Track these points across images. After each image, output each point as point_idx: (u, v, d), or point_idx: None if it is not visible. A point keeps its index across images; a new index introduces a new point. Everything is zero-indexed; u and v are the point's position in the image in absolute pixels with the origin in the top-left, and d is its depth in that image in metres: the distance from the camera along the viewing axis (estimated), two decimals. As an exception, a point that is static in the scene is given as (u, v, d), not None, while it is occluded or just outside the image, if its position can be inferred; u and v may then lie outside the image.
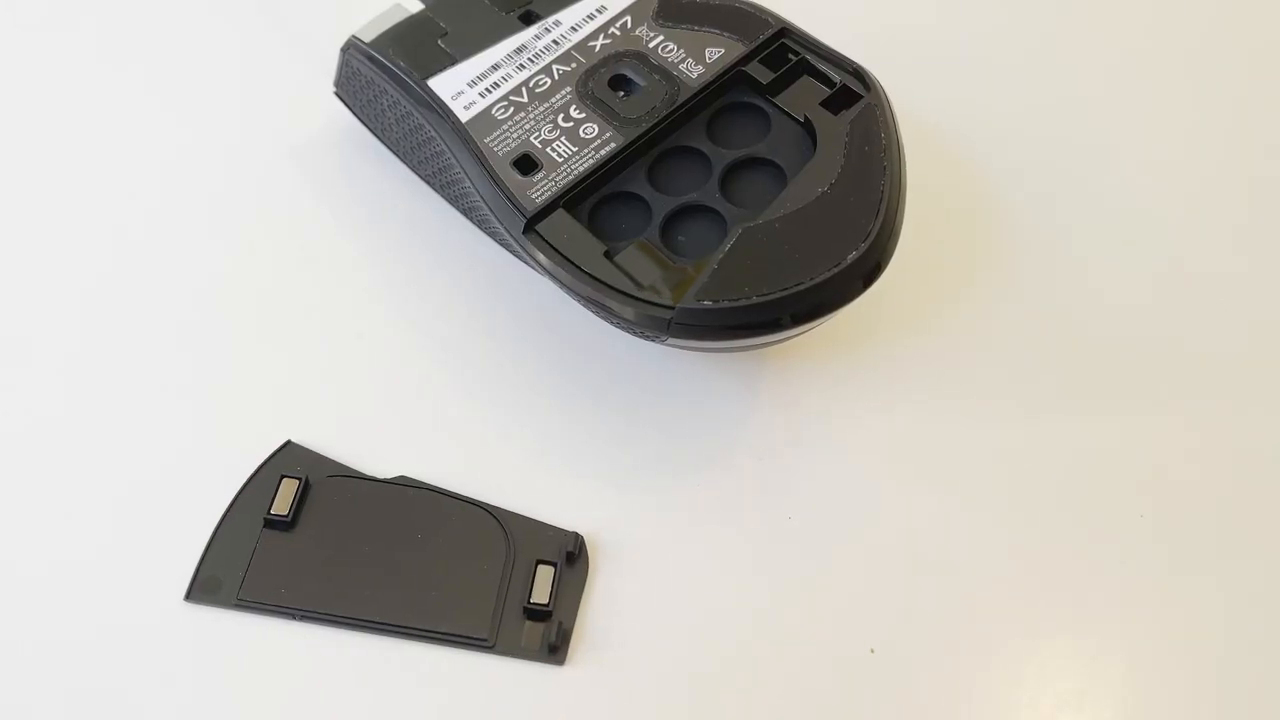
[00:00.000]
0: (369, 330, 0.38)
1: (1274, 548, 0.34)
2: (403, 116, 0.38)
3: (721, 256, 0.32)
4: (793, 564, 0.34)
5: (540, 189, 0.34)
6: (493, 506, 0.34)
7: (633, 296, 0.32)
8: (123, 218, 0.40)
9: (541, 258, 0.33)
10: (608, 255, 0.33)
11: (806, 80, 0.35)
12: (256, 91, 0.43)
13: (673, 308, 0.31)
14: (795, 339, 0.36)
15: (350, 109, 0.41)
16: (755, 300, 0.31)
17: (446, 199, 0.39)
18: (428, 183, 0.40)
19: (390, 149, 0.40)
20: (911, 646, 0.32)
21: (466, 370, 0.37)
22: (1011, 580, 0.33)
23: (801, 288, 0.31)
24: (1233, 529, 0.34)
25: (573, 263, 0.33)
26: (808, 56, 0.35)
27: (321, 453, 0.35)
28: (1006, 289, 0.39)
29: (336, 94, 0.41)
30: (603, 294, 0.32)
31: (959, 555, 0.34)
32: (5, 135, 0.42)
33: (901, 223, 0.33)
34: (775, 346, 0.37)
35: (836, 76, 0.35)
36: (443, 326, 0.38)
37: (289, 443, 0.35)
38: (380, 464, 0.35)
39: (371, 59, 0.38)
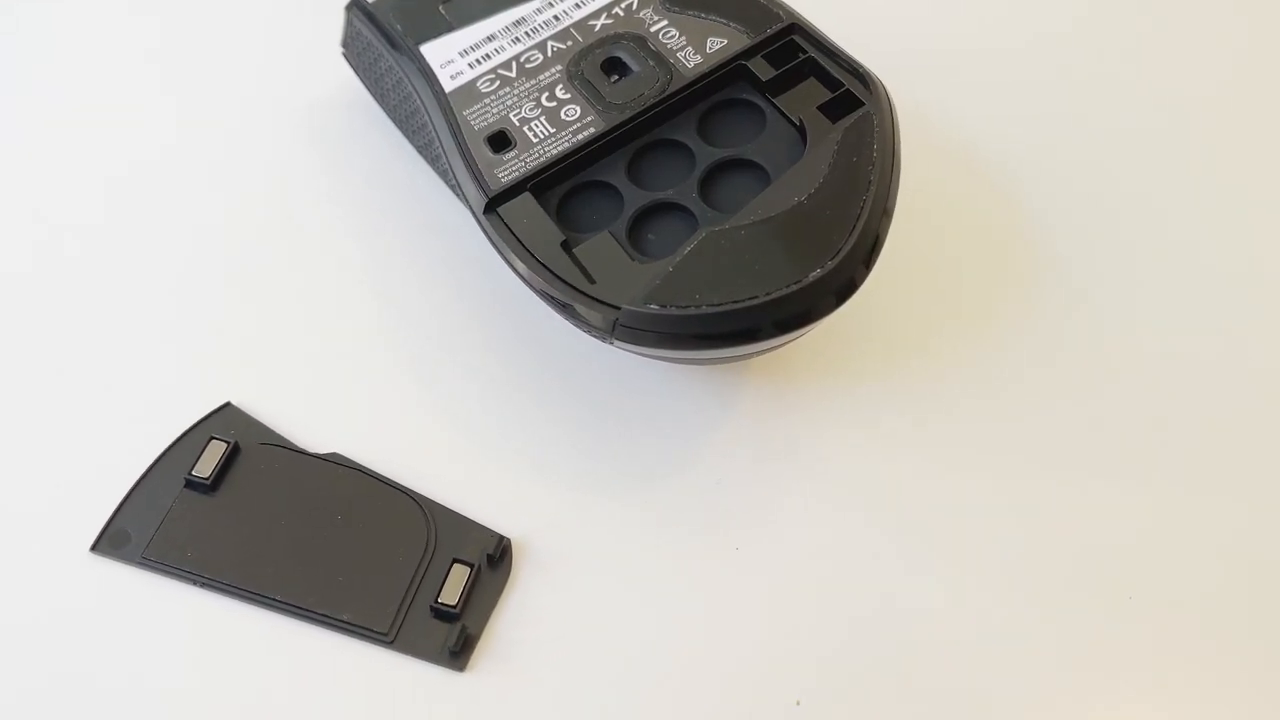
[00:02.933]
0: (337, 302, 0.36)
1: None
2: (397, 82, 0.37)
3: (679, 260, 0.30)
4: (731, 598, 0.31)
5: (509, 169, 0.32)
6: (422, 496, 0.32)
7: (580, 292, 0.30)
8: (116, 167, 0.40)
9: (498, 240, 0.31)
10: (565, 246, 0.31)
11: (811, 82, 0.33)
12: (275, 46, 0.43)
13: (619, 309, 0.29)
14: (779, 352, 0.34)
15: (355, 71, 0.39)
16: (704, 310, 0.29)
17: (436, 172, 0.38)
18: (420, 154, 0.38)
19: (388, 115, 0.39)
20: (843, 705, 0.30)
21: (426, 353, 0.35)
22: (967, 646, 0.30)
23: (755, 302, 0.28)
24: (1231, 637, 0.30)
25: (527, 249, 0.31)
26: (815, 56, 0.33)
27: (261, 419, 0.34)
28: (1021, 326, 0.35)
29: (344, 55, 0.39)
30: (551, 285, 0.30)
31: (911, 611, 0.31)
32: (18, 79, 0.42)
33: (883, 241, 0.30)
34: (760, 359, 0.34)
35: (842, 80, 0.32)
36: (411, 305, 0.36)
37: (228, 404, 0.34)
38: (318, 438, 0.33)
39: (371, 20, 0.37)
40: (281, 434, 0.33)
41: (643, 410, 0.34)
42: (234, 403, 0.34)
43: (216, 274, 0.37)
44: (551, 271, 0.30)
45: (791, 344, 0.33)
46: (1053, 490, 0.32)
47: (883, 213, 0.30)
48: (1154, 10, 0.43)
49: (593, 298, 0.30)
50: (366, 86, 0.39)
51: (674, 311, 0.29)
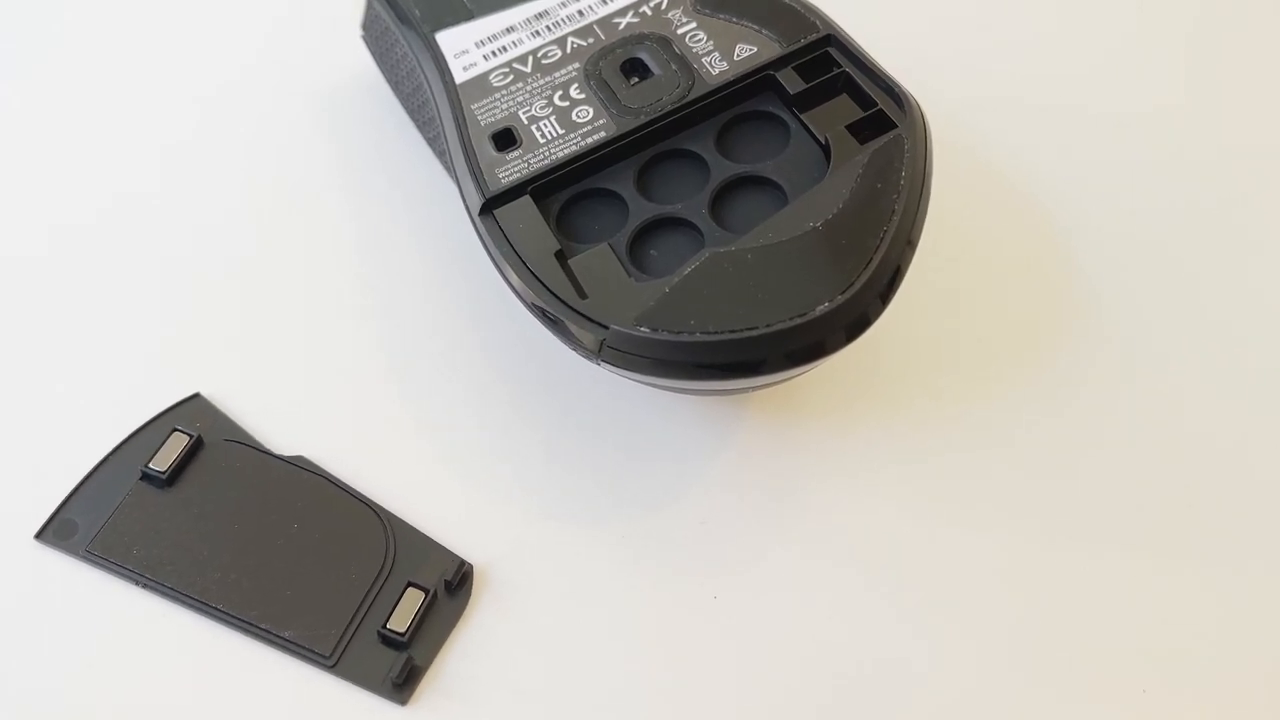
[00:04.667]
0: (327, 298, 0.34)
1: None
2: (410, 71, 0.35)
3: (677, 280, 0.27)
4: (702, 650, 0.28)
5: (511, 169, 0.30)
6: (386, 511, 0.30)
7: (569, 307, 0.28)
8: (125, 145, 0.38)
9: (490, 244, 0.29)
10: (560, 256, 0.28)
11: (843, 98, 0.30)
12: (296, 26, 0.41)
13: (608, 329, 0.27)
14: (783, 385, 0.31)
15: (373, 56, 0.38)
16: (698, 338, 0.26)
17: (444, 167, 0.36)
18: (430, 146, 0.36)
19: (402, 104, 0.37)
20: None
21: (412, 358, 0.33)
22: (959, 730, 0.27)
23: (753, 334, 0.26)
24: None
25: (519, 256, 0.29)
26: (850, 71, 0.30)
27: (230, 413, 0.32)
28: (1047, 377, 0.32)
29: (363, 38, 0.38)
30: (540, 297, 0.28)
31: (898, 682, 0.28)
32: (38, 60, 0.41)
33: (904, 274, 0.27)
34: (762, 391, 0.32)
35: (875, 98, 0.29)
36: (403, 308, 0.34)
37: (197, 395, 0.32)
38: (287, 438, 0.31)
39: (390, 2, 0.35)
40: (249, 431, 0.31)
41: (632, 437, 0.32)
42: (204, 394, 0.32)
43: (207, 259, 0.35)
44: (541, 282, 0.28)
45: (798, 378, 0.30)
46: (1067, 560, 0.29)
47: (906, 243, 0.27)
48: (1222, 59, 0.39)
49: (582, 314, 0.27)
50: (383, 73, 0.37)
51: (665, 337, 0.26)
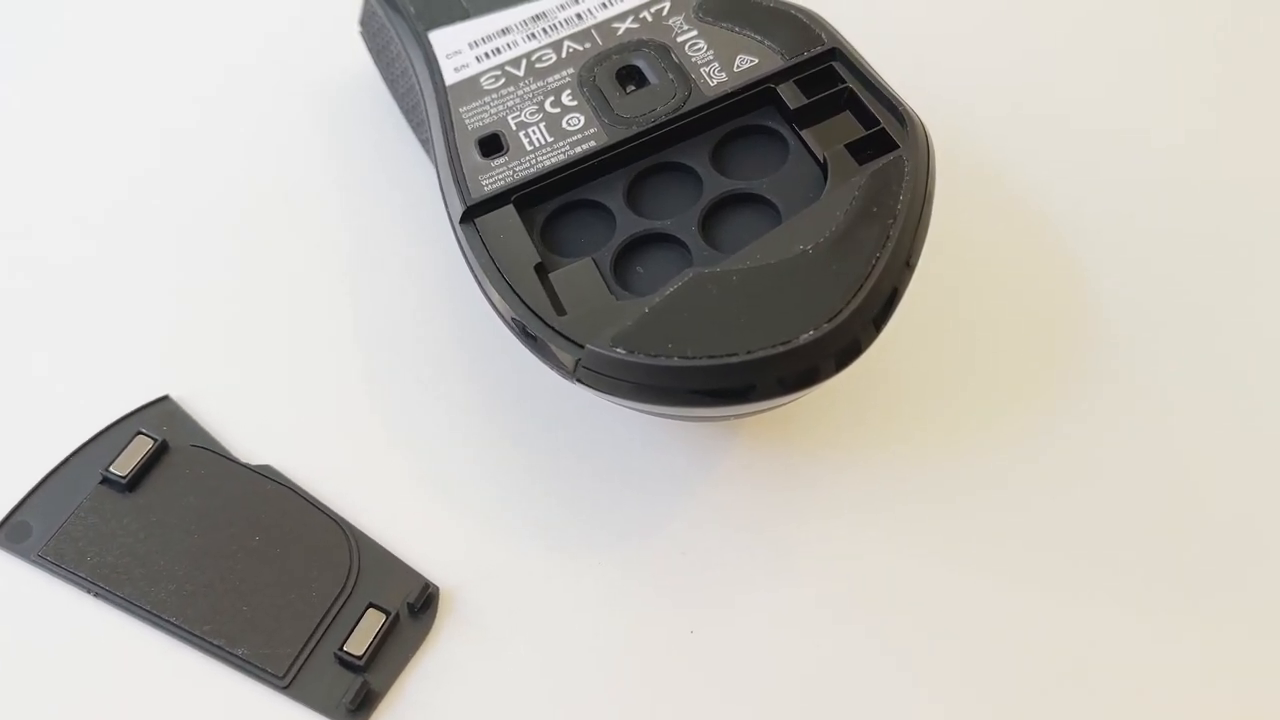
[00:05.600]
0: (309, 303, 0.33)
1: None
2: (403, 70, 0.34)
3: (658, 301, 0.26)
4: (675, 688, 0.27)
5: (495, 176, 0.29)
6: (352, 527, 0.29)
7: (545, 324, 0.26)
8: (118, 137, 0.37)
9: (469, 254, 0.28)
10: (540, 270, 0.27)
11: (845, 116, 0.29)
12: (298, 22, 0.40)
13: (584, 348, 0.26)
14: (776, 412, 0.30)
15: (370, 53, 0.36)
16: (675, 362, 0.25)
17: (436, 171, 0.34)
18: (424, 149, 0.35)
19: (397, 103, 0.36)
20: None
21: (392, 369, 0.32)
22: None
23: (734, 360, 0.25)
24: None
25: (497, 268, 0.27)
26: (854, 87, 0.29)
27: (199, 417, 0.31)
28: (1062, 413, 0.31)
29: (361, 34, 0.36)
30: (517, 312, 0.27)
31: (880, 737, 0.27)
32: (37, 52, 0.40)
33: (899, 300, 0.26)
34: (756, 418, 0.31)
35: (878, 117, 0.28)
36: (388, 317, 0.33)
37: (166, 398, 0.31)
38: (256, 446, 0.30)
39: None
40: (218, 437, 0.30)
41: (615, 461, 0.30)
42: (174, 397, 0.31)
43: (189, 257, 0.34)
44: (518, 296, 0.27)
45: (793, 404, 0.29)
46: (1065, 608, 0.28)
47: (904, 265, 0.26)
48: (1250, 83, 0.38)
49: (558, 332, 0.26)
50: (380, 71, 0.36)
51: (641, 359, 0.25)
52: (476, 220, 0.28)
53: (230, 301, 0.33)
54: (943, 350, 0.32)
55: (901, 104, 0.28)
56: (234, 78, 0.38)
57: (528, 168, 0.29)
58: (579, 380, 0.26)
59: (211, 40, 0.40)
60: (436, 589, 0.28)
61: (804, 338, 0.25)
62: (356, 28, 0.37)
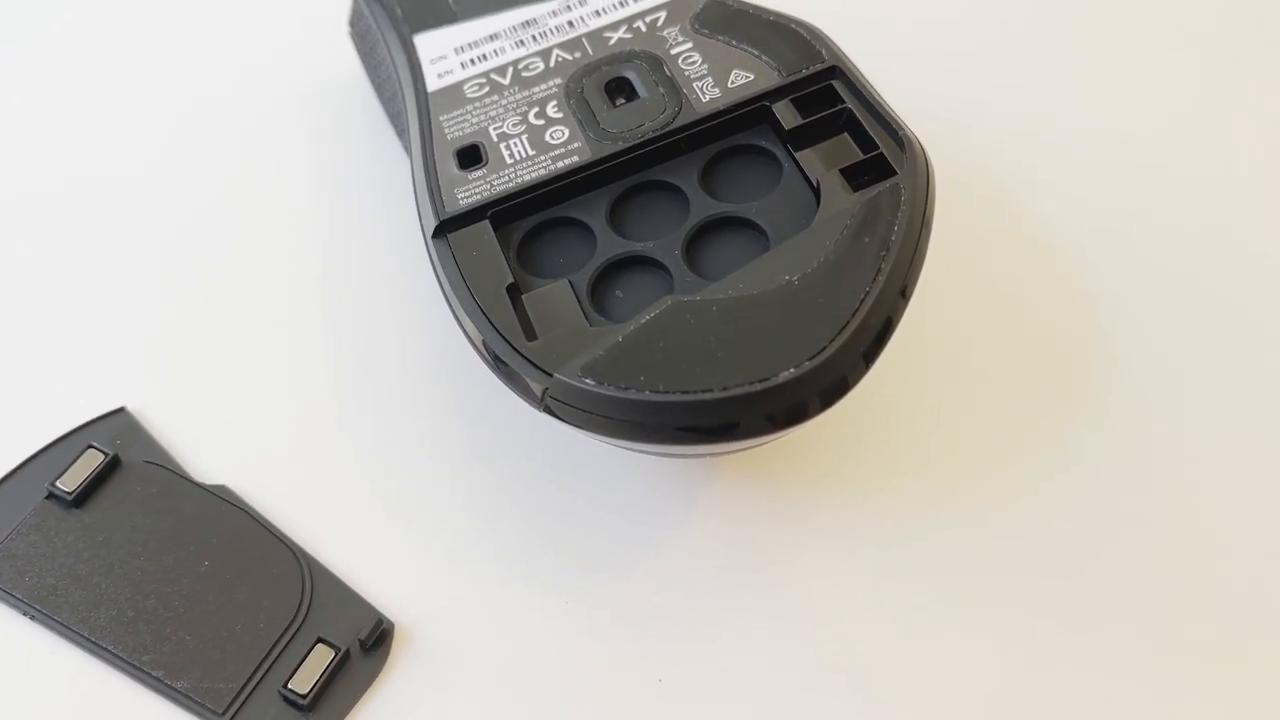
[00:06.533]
0: (278, 315, 0.32)
1: None
2: (388, 75, 0.32)
3: (633, 329, 0.24)
4: (639, 741, 0.26)
5: (471, 189, 0.27)
6: (307, 555, 0.27)
7: (514, 349, 0.25)
8: (100, 130, 0.36)
9: (439, 271, 0.27)
10: (513, 290, 0.26)
11: (842, 138, 0.27)
12: (286, 17, 0.39)
13: (552, 376, 0.24)
14: (758, 449, 0.28)
15: (359, 54, 0.35)
16: (646, 396, 0.23)
17: (419, 180, 0.33)
18: (408, 155, 0.33)
19: (383, 107, 0.35)
20: None
21: (360, 387, 0.30)
22: None
23: (707, 397, 0.23)
24: None
25: (467, 287, 0.26)
26: (854, 108, 0.27)
27: (156, 431, 0.29)
28: (1066, 458, 0.29)
29: (350, 34, 0.35)
30: (484, 334, 0.25)
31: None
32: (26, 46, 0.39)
33: (888, 338, 0.24)
34: (740, 453, 0.29)
35: (877, 141, 0.26)
36: (355, 332, 0.31)
37: (122, 410, 0.30)
38: (212, 464, 0.29)
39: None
40: (173, 452, 0.29)
41: (588, 492, 0.29)
42: (130, 409, 0.30)
43: (152, 264, 0.33)
44: (487, 318, 0.25)
45: (779, 440, 0.27)
46: (1061, 671, 0.26)
47: (898, 296, 0.24)
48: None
49: (526, 358, 0.25)
50: (367, 73, 0.35)
51: (610, 391, 0.23)
52: (449, 235, 0.27)
53: (196, 310, 0.32)
54: (941, 383, 0.30)
55: (902, 128, 0.26)
56: (211, 79, 0.37)
57: (506, 182, 0.27)
58: (546, 410, 0.25)
59: (189, 39, 0.38)
60: (391, 625, 0.27)
61: (784, 375, 0.23)
62: (346, 28, 0.35)
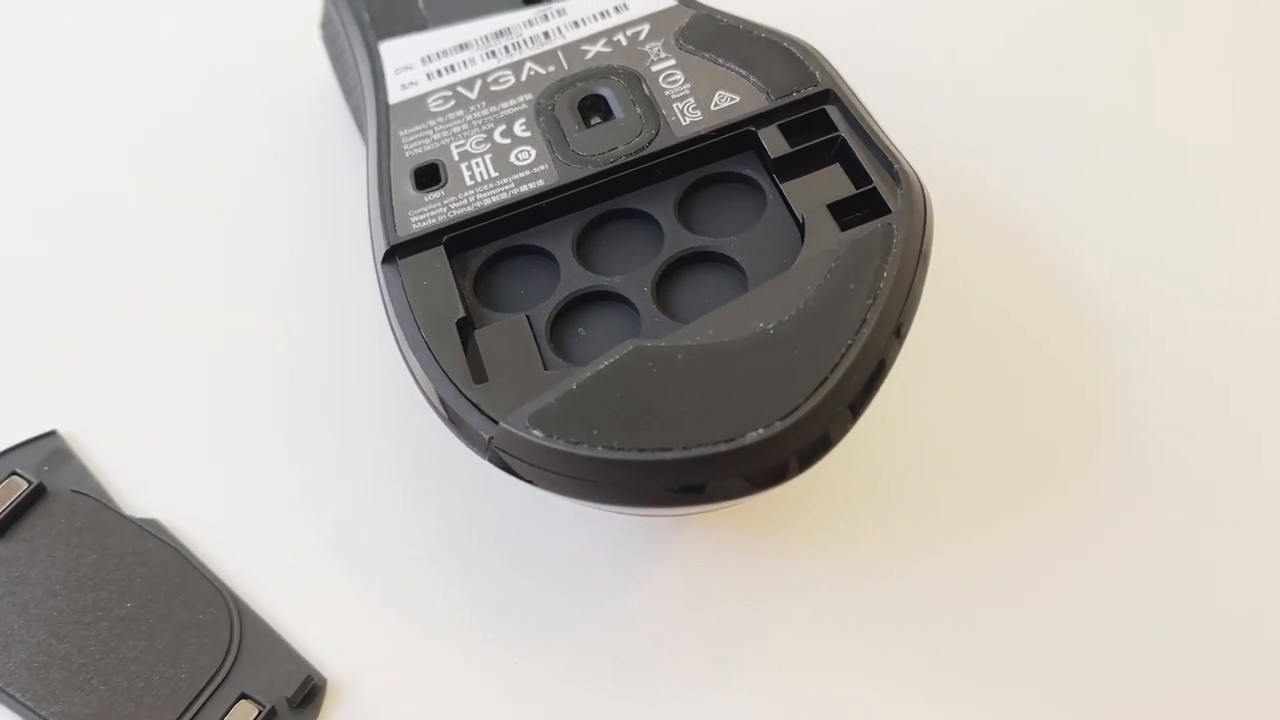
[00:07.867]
0: (230, 338, 0.30)
1: None
2: (354, 84, 0.30)
3: (589, 376, 0.22)
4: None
5: (426, 213, 0.25)
6: (239, 601, 0.25)
7: (460, 391, 0.23)
8: (62, 136, 0.34)
9: (386, 300, 0.24)
10: (464, 325, 0.24)
11: (834, 169, 0.25)
12: (255, 18, 0.37)
13: (498, 425, 0.22)
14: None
15: (330, 59, 0.33)
16: (598, 453, 0.21)
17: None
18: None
19: (351, 115, 0.33)
20: None
21: (309, 422, 0.28)
22: None
23: (665, 456, 0.21)
24: None
25: (414, 319, 0.24)
26: (847, 137, 0.25)
27: (87, 458, 0.27)
28: (1070, 519, 0.26)
29: (321, 37, 0.33)
30: (428, 374, 0.23)
31: None
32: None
33: (877, 387, 0.22)
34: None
35: (871, 175, 0.24)
36: (305, 360, 0.29)
37: (54, 433, 0.28)
38: (145, 497, 0.27)
39: (347, 1, 0.30)
40: (103, 482, 0.27)
41: (546, 543, 0.27)
42: (63, 433, 0.28)
43: (97, 277, 0.31)
44: (433, 355, 0.23)
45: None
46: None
47: (892, 336, 0.22)
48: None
49: (472, 403, 0.22)
50: (337, 79, 0.33)
51: (558, 445, 0.21)
52: (400, 261, 0.25)
53: (138, 330, 0.30)
54: (938, 431, 0.28)
55: (899, 160, 0.24)
56: (172, 83, 0.35)
57: (464, 205, 0.25)
58: (493, 461, 0.22)
59: (145, 42, 0.36)
60: (323, 681, 0.24)
61: (751, 436, 0.21)
62: (318, 30, 0.33)
